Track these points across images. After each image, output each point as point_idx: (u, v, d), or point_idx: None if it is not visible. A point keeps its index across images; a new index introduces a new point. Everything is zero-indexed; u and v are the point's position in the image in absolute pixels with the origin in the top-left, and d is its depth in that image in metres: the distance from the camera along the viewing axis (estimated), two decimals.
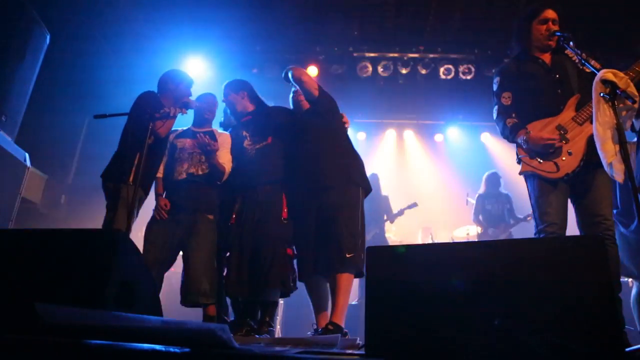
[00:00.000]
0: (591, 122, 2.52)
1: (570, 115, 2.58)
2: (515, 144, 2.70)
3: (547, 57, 2.76)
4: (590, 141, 2.53)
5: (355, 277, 2.89)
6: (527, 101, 2.70)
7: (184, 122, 3.47)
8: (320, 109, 3.22)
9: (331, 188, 2.96)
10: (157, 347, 1.07)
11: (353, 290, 6.26)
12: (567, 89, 2.66)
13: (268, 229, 3.05)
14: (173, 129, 3.33)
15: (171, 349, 1.07)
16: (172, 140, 3.38)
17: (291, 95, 3.39)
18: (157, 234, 3.16)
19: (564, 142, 2.53)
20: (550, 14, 2.73)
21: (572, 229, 2.59)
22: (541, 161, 2.54)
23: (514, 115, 2.68)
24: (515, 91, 2.74)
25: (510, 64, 2.86)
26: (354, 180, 3.04)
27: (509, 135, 2.67)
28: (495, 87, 2.83)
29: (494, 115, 2.79)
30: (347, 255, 2.76)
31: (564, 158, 2.51)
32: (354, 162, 3.17)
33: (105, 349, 1.06)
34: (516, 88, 2.74)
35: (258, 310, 3.17)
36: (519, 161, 2.63)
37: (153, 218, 3.25)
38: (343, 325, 2.72)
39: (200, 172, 3.26)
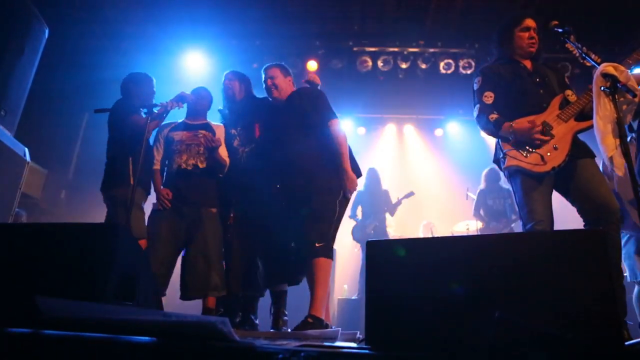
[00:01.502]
0: (576, 119, 2.58)
1: (555, 113, 2.62)
2: (497, 141, 2.72)
3: (527, 63, 2.84)
4: (576, 137, 2.59)
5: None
6: (510, 100, 2.73)
7: (176, 115, 3.48)
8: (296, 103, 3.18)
9: (302, 177, 2.93)
10: (158, 340, 1.08)
11: (353, 285, 6.31)
12: (549, 90, 2.72)
13: (269, 227, 3.12)
14: (167, 122, 3.38)
15: (171, 342, 1.07)
16: (167, 133, 3.40)
17: (264, 85, 3.33)
18: (162, 228, 3.16)
19: (549, 137, 2.55)
20: (531, 22, 2.81)
21: (559, 224, 2.57)
22: (527, 155, 2.54)
23: (495, 112, 2.70)
24: (498, 91, 2.76)
25: (491, 66, 2.90)
26: (327, 165, 2.97)
27: (493, 129, 2.67)
28: (476, 87, 2.85)
29: (475, 114, 2.81)
30: (317, 245, 2.75)
31: (549, 153, 2.52)
32: (328, 146, 3.05)
33: (106, 342, 1.06)
34: (499, 88, 2.77)
35: (257, 305, 3.25)
36: (504, 156, 2.62)
37: (154, 212, 3.26)
38: (322, 317, 2.67)
39: (199, 164, 3.28)
